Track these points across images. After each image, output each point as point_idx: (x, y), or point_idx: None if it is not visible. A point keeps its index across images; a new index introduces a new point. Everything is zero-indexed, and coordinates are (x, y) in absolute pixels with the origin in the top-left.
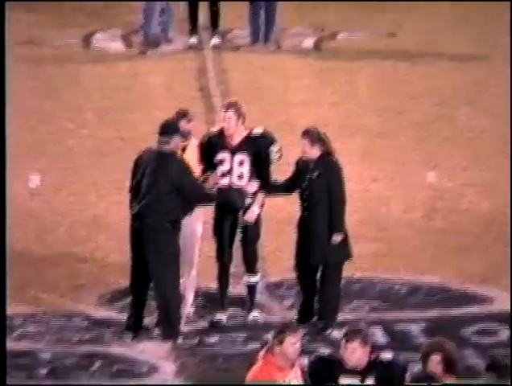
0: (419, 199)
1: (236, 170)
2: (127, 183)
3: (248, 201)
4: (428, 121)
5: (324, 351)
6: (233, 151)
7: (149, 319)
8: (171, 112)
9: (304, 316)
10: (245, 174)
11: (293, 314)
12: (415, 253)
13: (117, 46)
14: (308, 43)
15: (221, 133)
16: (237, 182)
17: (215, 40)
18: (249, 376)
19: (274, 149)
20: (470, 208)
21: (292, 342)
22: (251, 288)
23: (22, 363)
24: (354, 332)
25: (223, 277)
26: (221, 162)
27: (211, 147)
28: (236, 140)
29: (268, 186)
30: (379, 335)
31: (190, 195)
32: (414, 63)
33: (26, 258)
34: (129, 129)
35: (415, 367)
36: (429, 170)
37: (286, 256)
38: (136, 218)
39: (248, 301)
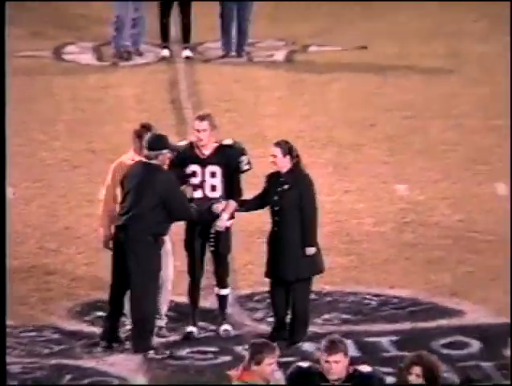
0: (390, 212)
1: (208, 182)
2: (98, 196)
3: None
4: (400, 134)
5: (295, 363)
6: (204, 163)
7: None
8: None
9: (280, 332)
10: (217, 185)
11: (264, 327)
12: (386, 266)
13: (88, 58)
14: (280, 55)
15: (191, 146)
16: (209, 195)
17: (187, 52)
18: None
19: (244, 159)
20: (441, 221)
21: (270, 363)
22: (222, 301)
23: None
24: (337, 344)
25: (194, 290)
26: (193, 174)
27: (181, 161)
28: (206, 152)
29: (239, 203)
30: (350, 348)
31: (176, 211)
32: (387, 75)
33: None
34: (100, 141)
35: (386, 380)
36: (401, 182)
37: (257, 268)
38: (120, 230)
39: (219, 314)
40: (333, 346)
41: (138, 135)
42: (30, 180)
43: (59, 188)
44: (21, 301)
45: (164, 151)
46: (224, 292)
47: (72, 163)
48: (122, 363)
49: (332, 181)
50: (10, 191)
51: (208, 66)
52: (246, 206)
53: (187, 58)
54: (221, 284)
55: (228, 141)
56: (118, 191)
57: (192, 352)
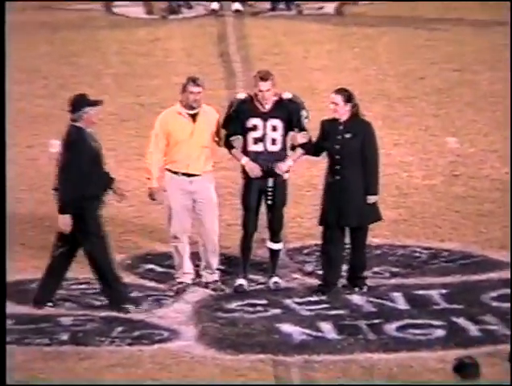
0: (440, 165)
1: (269, 136)
2: (146, 149)
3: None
4: (449, 87)
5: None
6: (266, 117)
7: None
8: None
9: (330, 284)
10: (278, 139)
11: (313, 280)
12: (436, 219)
13: (138, 11)
14: (330, 8)
15: (250, 99)
16: (270, 148)
17: (237, 5)
18: None
19: (304, 113)
20: (491, 174)
21: None
22: (274, 254)
23: (43, 327)
24: None
25: (246, 244)
26: (254, 128)
27: (240, 113)
28: (267, 106)
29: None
30: (400, 301)
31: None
32: (435, 28)
33: (48, 222)
34: (148, 94)
35: (436, 333)
36: (450, 135)
37: (307, 221)
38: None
39: (270, 267)
40: None
41: (183, 88)
42: None
43: (107, 142)
44: None
45: (85, 110)
46: (277, 246)
47: (121, 117)
48: (172, 315)
49: (382, 134)
50: (58, 144)
51: (257, 19)
52: (305, 149)
53: (237, 11)
54: (275, 238)
55: (288, 95)
56: (164, 143)
57: (242, 305)
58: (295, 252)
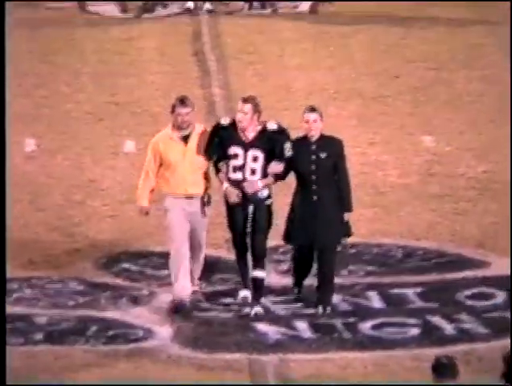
0: (415, 164)
1: (249, 165)
2: (122, 148)
3: (261, 194)
4: (425, 85)
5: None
6: (247, 147)
7: None
8: (166, 76)
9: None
10: (257, 169)
11: (288, 279)
12: (411, 218)
13: (112, 10)
14: (304, 6)
15: (233, 125)
16: (249, 177)
17: (208, 5)
18: None
19: (288, 146)
20: (467, 172)
21: None
22: (257, 283)
23: (18, 327)
24: None
25: (242, 261)
26: (235, 156)
27: (222, 139)
28: (250, 135)
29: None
30: (375, 300)
31: None
32: (411, 27)
33: (22, 222)
34: (124, 93)
35: (411, 331)
36: (426, 134)
37: (281, 222)
38: None
39: (252, 297)
40: None
41: (172, 109)
42: (55, 132)
43: (83, 140)
44: (46, 252)
45: None
46: (260, 274)
47: (97, 116)
48: (147, 314)
49: (357, 133)
50: (33, 143)
51: (232, 18)
52: (276, 178)
53: (210, 11)
54: (258, 264)
55: (272, 126)
56: (156, 165)
57: (217, 304)
58: (271, 251)
